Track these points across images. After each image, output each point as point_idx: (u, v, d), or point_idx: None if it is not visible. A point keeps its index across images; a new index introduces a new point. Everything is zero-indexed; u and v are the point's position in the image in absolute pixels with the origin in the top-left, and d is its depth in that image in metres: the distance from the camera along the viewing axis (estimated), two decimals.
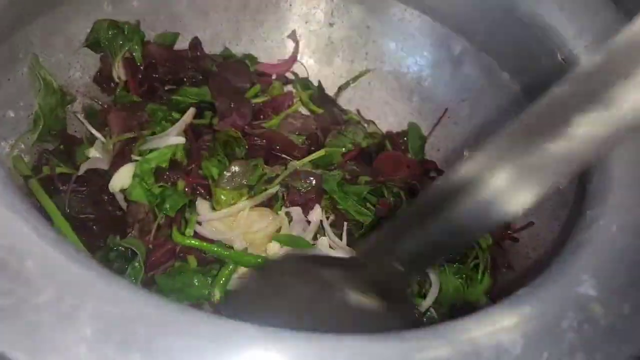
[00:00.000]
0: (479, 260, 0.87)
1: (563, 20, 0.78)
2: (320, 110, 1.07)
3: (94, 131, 0.92)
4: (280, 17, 1.16)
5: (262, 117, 1.00)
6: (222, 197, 0.82)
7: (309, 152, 0.96)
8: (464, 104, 1.11)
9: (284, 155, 0.95)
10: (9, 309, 0.35)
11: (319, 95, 1.13)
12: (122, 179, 0.82)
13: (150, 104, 0.92)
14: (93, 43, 0.97)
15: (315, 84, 1.15)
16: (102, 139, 0.91)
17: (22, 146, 0.88)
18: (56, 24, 0.92)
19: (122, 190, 0.83)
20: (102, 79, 1.00)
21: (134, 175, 0.81)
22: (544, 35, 0.81)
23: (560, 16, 0.78)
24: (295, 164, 0.90)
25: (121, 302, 0.38)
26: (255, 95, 1.03)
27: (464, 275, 0.86)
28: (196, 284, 0.76)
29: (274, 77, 1.13)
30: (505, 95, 1.03)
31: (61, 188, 0.84)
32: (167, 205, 0.80)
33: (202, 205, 0.83)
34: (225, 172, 0.83)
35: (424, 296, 0.84)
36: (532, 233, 0.94)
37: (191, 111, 0.88)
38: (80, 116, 0.95)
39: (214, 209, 0.83)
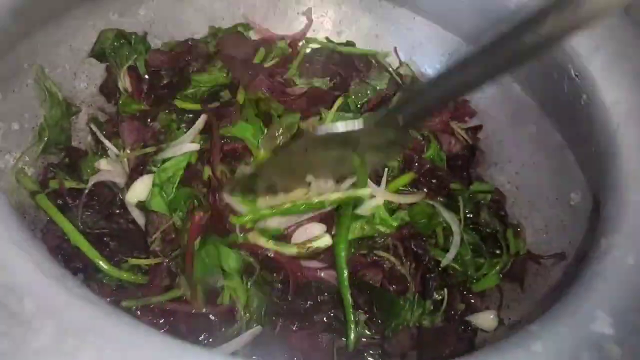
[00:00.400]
0: (500, 259, 0.87)
1: (577, 34, 0.75)
2: (340, 49, 1.07)
3: (107, 142, 0.91)
4: (288, 25, 1.14)
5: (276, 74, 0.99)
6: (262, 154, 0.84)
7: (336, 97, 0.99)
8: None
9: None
10: (6, 354, 0.34)
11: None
12: (138, 191, 0.81)
13: (162, 113, 0.91)
14: (99, 53, 0.97)
15: None
16: (116, 150, 0.90)
17: (27, 159, 0.87)
18: (62, 34, 0.91)
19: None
20: (108, 89, 0.99)
21: (153, 185, 0.80)
22: (557, 50, 0.79)
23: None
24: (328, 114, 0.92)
25: (124, 342, 0.37)
26: (263, 59, 1.02)
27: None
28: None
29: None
30: (516, 107, 1.02)
31: (71, 203, 0.84)
32: (177, 202, 0.79)
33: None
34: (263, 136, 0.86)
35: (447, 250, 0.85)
36: (542, 251, 0.92)
37: (203, 118, 0.87)
38: (92, 126, 0.94)
39: None
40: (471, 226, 0.89)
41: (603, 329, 0.44)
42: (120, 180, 0.86)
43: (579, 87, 0.76)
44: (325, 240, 0.78)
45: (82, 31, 0.94)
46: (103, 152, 0.92)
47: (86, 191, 0.84)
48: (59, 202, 0.84)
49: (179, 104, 0.91)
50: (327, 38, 1.13)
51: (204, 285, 0.75)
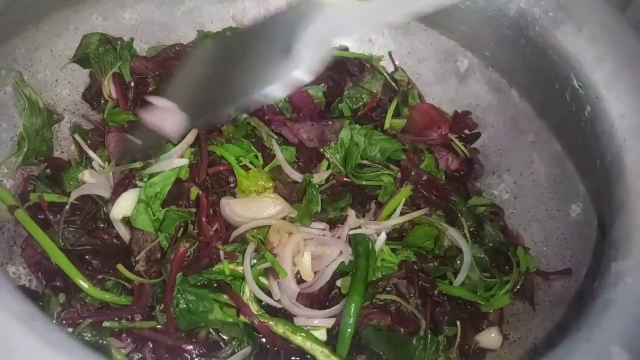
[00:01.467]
0: (511, 277, 0.84)
1: (581, 44, 0.73)
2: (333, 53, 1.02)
3: (91, 153, 0.87)
4: None
5: None
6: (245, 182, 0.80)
7: (330, 103, 0.97)
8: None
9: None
10: None
11: None
12: (124, 206, 0.77)
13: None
14: (82, 59, 0.92)
15: None
16: (100, 162, 0.86)
17: (5, 170, 0.84)
18: (42, 39, 0.87)
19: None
20: (92, 95, 0.95)
21: (139, 201, 0.76)
22: (559, 58, 0.76)
23: (578, 39, 0.73)
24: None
25: None
26: None
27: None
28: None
29: None
30: (514, 114, 0.99)
31: (52, 218, 0.80)
32: (165, 224, 0.75)
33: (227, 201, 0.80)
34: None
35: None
36: (542, 263, 0.90)
37: (193, 132, 0.83)
38: (76, 136, 0.89)
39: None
40: (474, 242, 0.86)
41: None
42: (105, 193, 0.82)
43: (583, 98, 0.73)
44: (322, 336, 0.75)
45: (64, 35, 0.90)
46: (87, 163, 0.88)
47: (67, 207, 0.80)
48: (40, 216, 0.80)
49: None
50: None
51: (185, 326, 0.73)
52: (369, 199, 0.89)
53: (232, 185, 0.83)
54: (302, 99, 0.95)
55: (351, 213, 0.82)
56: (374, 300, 0.77)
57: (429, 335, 0.73)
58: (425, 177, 0.87)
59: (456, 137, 0.98)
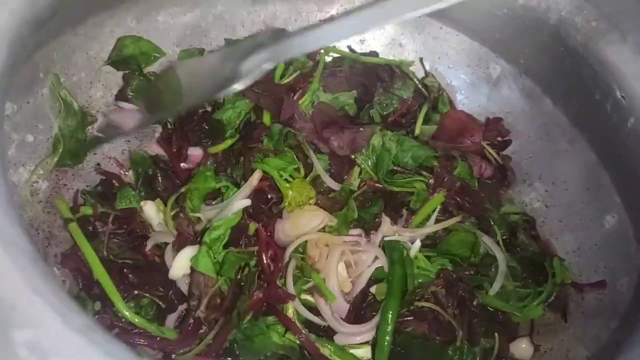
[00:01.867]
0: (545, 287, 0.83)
1: (625, 54, 0.72)
2: (363, 59, 1.03)
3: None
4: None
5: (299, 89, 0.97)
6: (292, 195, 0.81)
7: (361, 109, 0.98)
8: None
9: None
10: None
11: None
12: (183, 264, 0.76)
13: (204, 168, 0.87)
14: (116, 61, 0.93)
15: None
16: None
17: (41, 172, 0.84)
18: (78, 42, 0.87)
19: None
20: (124, 97, 0.95)
21: (202, 244, 0.75)
22: (601, 69, 0.75)
23: (622, 50, 0.72)
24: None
25: None
26: (283, 75, 0.98)
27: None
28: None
29: None
30: (547, 122, 0.98)
31: (100, 229, 0.81)
32: (225, 267, 0.74)
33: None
34: None
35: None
36: (574, 274, 0.89)
37: (257, 174, 0.82)
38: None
39: None
40: (507, 250, 0.85)
41: None
42: (169, 240, 0.82)
43: (626, 109, 0.72)
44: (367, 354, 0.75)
45: (99, 38, 0.91)
46: (141, 189, 0.89)
47: (111, 217, 0.81)
48: (89, 228, 0.82)
49: (212, 150, 0.89)
50: (349, 47, 1.09)
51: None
52: (401, 205, 0.88)
53: (274, 201, 0.82)
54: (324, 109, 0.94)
55: (385, 220, 0.81)
56: (411, 307, 0.76)
57: (466, 346, 0.72)
58: (458, 184, 0.87)
59: (488, 144, 0.97)
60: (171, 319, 0.78)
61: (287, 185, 0.81)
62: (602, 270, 0.86)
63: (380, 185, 0.88)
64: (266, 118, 0.90)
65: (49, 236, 0.83)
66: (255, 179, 0.80)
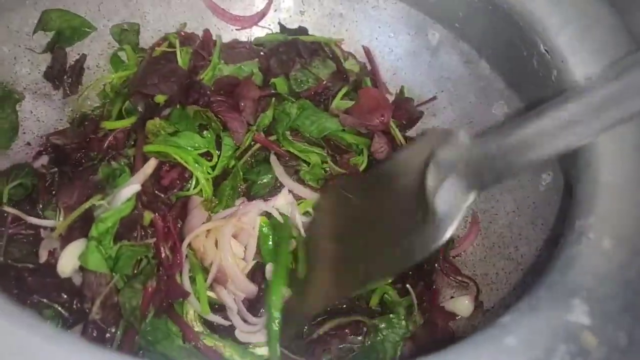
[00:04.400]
0: None
1: (546, 8, 0.72)
2: (279, 38, 1.01)
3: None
4: (249, 4, 1.08)
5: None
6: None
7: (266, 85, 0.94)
8: (442, 95, 1.06)
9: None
10: None
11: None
12: (70, 259, 0.69)
13: (104, 164, 0.80)
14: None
15: None
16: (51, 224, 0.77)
17: None
18: None
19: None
20: (55, 74, 0.92)
21: (90, 239, 0.68)
22: (525, 25, 0.76)
23: (543, 3, 0.73)
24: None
25: None
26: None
27: None
28: None
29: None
30: (485, 85, 0.99)
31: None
32: (121, 264, 0.68)
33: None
34: None
35: None
36: (514, 233, 0.90)
37: (152, 162, 0.77)
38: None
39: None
40: None
41: (579, 319, 0.41)
42: None
43: (550, 63, 0.73)
44: None
45: (19, 10, 0.87)
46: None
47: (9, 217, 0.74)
48: None
49: (108, 125, 0.84)
50: (280, 24, 1.08)
51: None
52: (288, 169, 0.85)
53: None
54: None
55: (284, 192, 0.80)
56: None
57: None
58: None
59: (397, 125, 0.97)
60: (78, 330, 0.70)
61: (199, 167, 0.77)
62: (540, 227, 0.87)
63: (273, 143, 0.85)
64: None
65: None
66: (150, 165, 0.76)
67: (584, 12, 0.71)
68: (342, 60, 1.02)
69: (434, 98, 1.05)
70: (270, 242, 0.75)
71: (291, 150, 0.85)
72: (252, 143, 0.85)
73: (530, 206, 0.90)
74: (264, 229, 0.75)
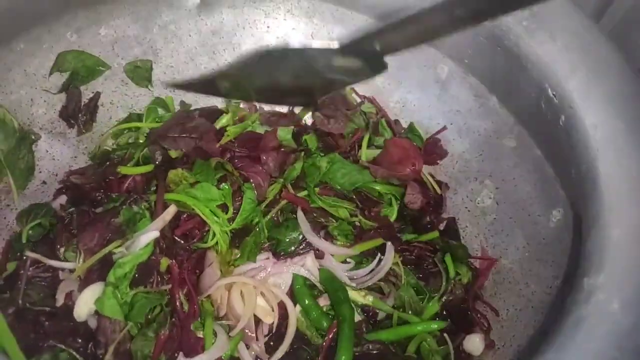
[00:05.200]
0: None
1: (554, 53, 0.72)
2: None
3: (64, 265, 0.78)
4: (259, 40, 1.10)
5: None
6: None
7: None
8: (452, 127, 1.06)
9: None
10: None
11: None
12: (87, 303, 0.71)
13: (126, 208, 0.80)
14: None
15: None
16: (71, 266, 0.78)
17: None
18: (14, 59, 0.86)
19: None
20: (69, 113, 0.94)
21: (107, 284, 0.69)
22: (533, 68, 0.76)
23: (552, 49, 0.73)
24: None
25: None
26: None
27: None
28: None
29: None
30: (495, 120, 0.99)
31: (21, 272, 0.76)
32: (135, 312, 0.69)
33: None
34: None
35: None
36: (525, 269, 0.90)
37: (171, 209, 0.78)
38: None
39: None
40: None
41: None
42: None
43: (557, 107, 0.73)
44: None
45: (37, 54, 0.89)
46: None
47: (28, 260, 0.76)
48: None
49: (124, 170, 0.84)
50: None
51: None
52: (320, 227, 0.86)
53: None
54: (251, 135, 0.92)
55: (310, 254, 0.81)
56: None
57: None
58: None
59: (429, 174, 0.98)
60: None
61: (217, 220, 0.77)
62: (550, 264, 0.87)
63: (302, 200, 0.85)
64: None
65: None
66: (169, 213, 0.76)
67: (594, 58, 0.71)
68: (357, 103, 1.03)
69: (444, 128, 1.05)
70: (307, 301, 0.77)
71: (320, 204, 0.85)
72: (278, 197, 0.85)
73: (541, 242, 0.90)
74: (297, 287, 0.77)
